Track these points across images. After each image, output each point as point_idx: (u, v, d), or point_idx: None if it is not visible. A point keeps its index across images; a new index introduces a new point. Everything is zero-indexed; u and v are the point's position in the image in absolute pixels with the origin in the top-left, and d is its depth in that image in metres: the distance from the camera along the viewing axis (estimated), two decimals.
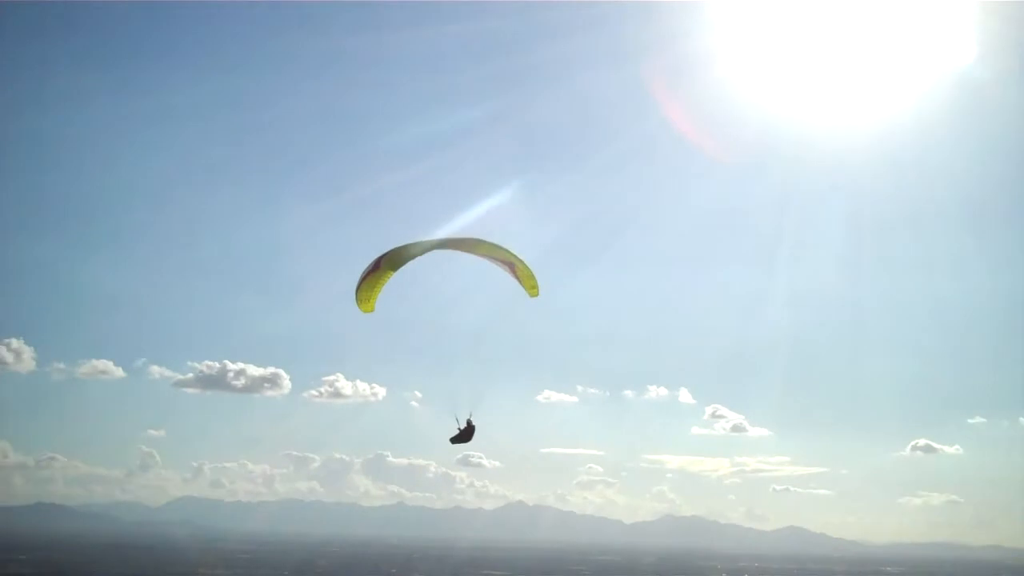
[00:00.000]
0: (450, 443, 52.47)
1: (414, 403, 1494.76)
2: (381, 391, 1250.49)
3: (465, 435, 52.17)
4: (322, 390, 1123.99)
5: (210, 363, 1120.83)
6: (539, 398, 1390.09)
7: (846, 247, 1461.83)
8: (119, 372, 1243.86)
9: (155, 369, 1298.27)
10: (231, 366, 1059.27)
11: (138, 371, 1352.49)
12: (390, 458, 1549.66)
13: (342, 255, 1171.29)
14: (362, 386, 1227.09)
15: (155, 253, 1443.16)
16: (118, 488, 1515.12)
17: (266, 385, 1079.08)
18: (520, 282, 51.39)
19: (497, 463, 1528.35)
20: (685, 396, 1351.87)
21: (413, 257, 48.99)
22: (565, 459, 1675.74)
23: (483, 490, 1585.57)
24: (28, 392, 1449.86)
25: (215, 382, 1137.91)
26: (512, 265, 50.85)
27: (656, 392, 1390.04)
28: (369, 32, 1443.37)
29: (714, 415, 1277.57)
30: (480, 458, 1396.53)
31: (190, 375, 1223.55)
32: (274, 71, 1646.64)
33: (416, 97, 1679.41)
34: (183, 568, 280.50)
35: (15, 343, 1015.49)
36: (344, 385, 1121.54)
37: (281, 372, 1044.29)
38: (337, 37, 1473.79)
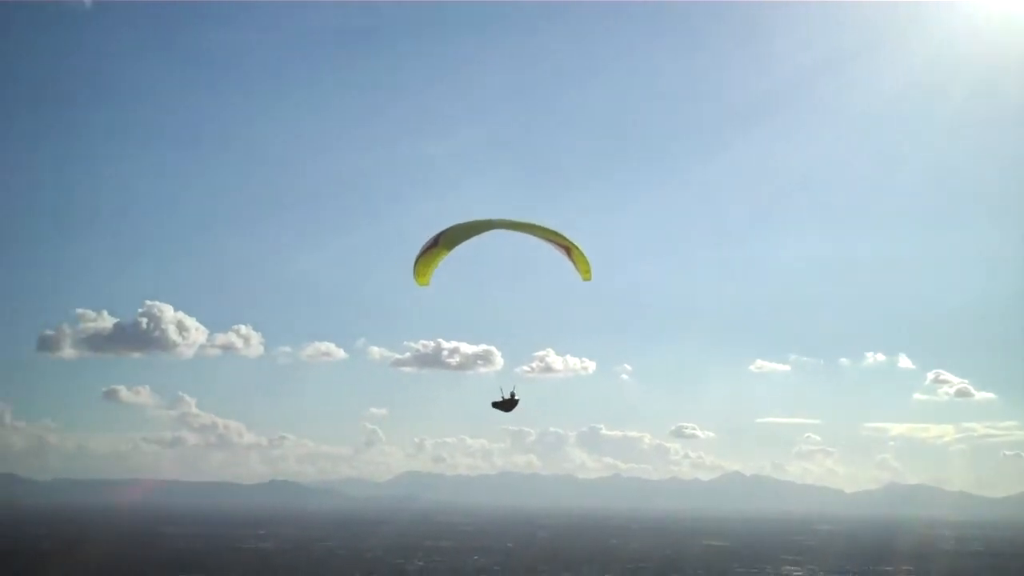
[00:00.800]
0: (491, 406, 54.09)
1: (624, 376, 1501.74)
2: (591, 365, 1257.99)
3: (507, 405, 53.62)
4: (534, 365, 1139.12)
5: (425, 342, 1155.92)
6: (751, 368, 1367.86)
7: None
8: (341, 353, 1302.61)
9: (374, 350, 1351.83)
10: (445, 344, 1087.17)
11: (358, 352, 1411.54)
12: (604, 431, 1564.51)
13: None
14: (572, 361, 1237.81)
15: (369, 239, 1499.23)
16: (346, 464, 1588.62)
17: (479, 362, 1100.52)
18: (575, 266, 52.34)
19: (711, 434, 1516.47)
20: (904, 362, 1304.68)
21: (469, 237, 50.05)
22: (781, 429, 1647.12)
23: (699, 461, 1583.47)
24: (258, 375, 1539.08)
25: (431, 360, 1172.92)
26: (568, 250, 51.57)
27: (873, 358, 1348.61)
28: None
29: (936, 380, 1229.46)
30: (694, 429, 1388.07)
31: (407, 354, 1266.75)
32: (475, 64, 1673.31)
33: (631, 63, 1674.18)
34: (409, 541, 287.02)
35: (244, 329, 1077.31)
36: (555, 360, 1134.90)
37: (493, 349, 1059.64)
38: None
